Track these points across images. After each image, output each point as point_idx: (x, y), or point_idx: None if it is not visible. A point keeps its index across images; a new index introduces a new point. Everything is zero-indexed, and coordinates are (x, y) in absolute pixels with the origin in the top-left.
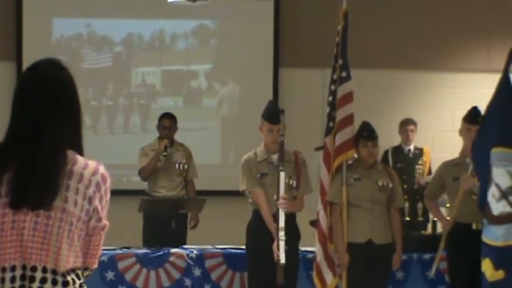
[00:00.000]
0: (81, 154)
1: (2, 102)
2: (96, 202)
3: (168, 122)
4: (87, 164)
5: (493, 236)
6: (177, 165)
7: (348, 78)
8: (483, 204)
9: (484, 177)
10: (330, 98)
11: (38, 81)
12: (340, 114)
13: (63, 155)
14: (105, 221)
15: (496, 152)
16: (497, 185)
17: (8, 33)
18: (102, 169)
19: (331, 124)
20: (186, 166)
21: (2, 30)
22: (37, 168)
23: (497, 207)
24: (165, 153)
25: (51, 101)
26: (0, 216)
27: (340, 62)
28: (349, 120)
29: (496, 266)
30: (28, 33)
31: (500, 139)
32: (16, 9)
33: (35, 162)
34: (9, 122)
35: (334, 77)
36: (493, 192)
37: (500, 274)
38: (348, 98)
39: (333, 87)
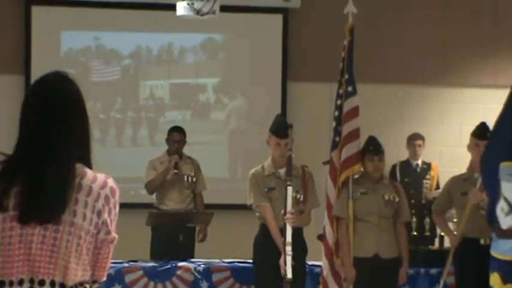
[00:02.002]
0: (90, 167)
1: (10, 115)
2: (105, 215)
3: (177, 136)
4: (96, 177)
5: (501, 250)
6: (185, 178)
7: (354, 93)
8: (492, 218)
9: (493, 192)
10: (336, 113)
11: (46, 94)
12: (346, 129)
13: (72, 168)
14: (114, 234)
15: (505, 167)
16: (506, 199)
17: (16, 46)
18: (111, 182)
19: (337, 138)
20: (194, 179)
21: (10, 43)
22: (45, 182)
23: (506, 221)
24: (176, 171)
25: (59, 114)
26: (8, 229)
27: (346, 76)
28: (355, 134)
29: (505, 280)
30: (36, 46)
31: (509, 154)
32: (25, 22)
33: (44, 176)
34: (18, 135)
35: (340, 91)
36: (502, 206)
37: None
38: (354, 112)
39: (339, 102)
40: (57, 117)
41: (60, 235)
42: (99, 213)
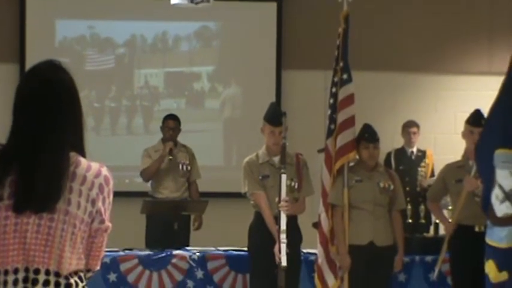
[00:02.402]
0: (84, 156)
1: (5, 104)
2: (99, 204)
3: (172, 123)
4: (90, 166)
5: (496, 237)
6: (180, 166)
7: (349, 80)
8: (487, 205)
9: (488, 179)
10: (331, 100)
11: (39, 83)
12: (341, 117)
13: (66, 157)
14: (108, 223)
15: (499, 154)
16: (500, 187)
17: (11, 35)
18: (105, 171)
19: (332, 126)
20: (189, 167)
21: (5, 32)
22: (40, 171)
23: (501, 208)
24: (170, 157)
25: (52, 103)
26: (2, 218)
27: (341, 64)
28: (350, 122)
29: (500, 268)
30: (31, 35)
31: (503, 141)
32: (19, 11)
33: (38, 165)
34: (12, 124)
35: (335, 79)
36: (496, 194)
37: (503, 275)
38: (349, 100)
39: (334, 90)
40: (51, 106)
41: (55, 224)
42: (93, 202)
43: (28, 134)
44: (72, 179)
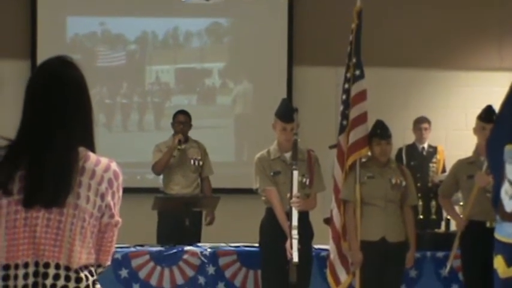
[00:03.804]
0: (93, 151)
1: (17, 100)
2: (109, 198)
3: (182, 117)
4: (99, 161)
5: (505, 233)
6: (192, 162)
7: (362, 76)
8: (497, 201)
9: (498, 175)
10: (344, 96)
11: (49, 79)
12: (353, 113)
13: (75, 152)
14: (117, 218)
15: (509, 149)
16: (510, 182)
17: (22, 31)
18: (114, 166)
19: (344, 122)
20: (201, 162)
21: (16, 29)
22: (49, 165)
23: (510, 204)
24: (179, 147)
25: (62, 99)
26: (12, 213)
27: (354, 60)
28: (362, 118)
29: (509, 263)
30: (42, 32)
31: None
32: (31, 8)
33: (47, 160)
34: (21, 119)
35: (348, 75)
36: (506, 189)
37: None
38: (362, 96)
39: (346, 86)
40: (60, 102)
41: (65, 218)
42: (103, 196)
43: (37, 129)
44: (81, 174)
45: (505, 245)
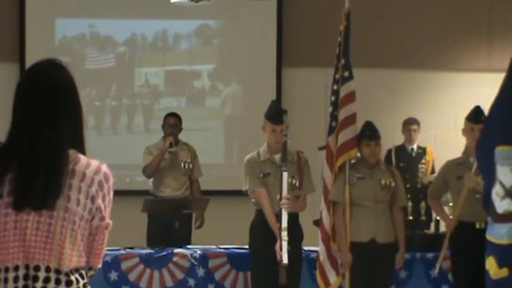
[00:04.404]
0: (84, 153)
1: (6, 103)
2: (99, 201)
3: (172, 120)
4: (90, 163)
5: (497, 234)
6: (182, 164)
7: (350, 77)
8: (488, 202)
9: (489, 176)
10: (333, 98)
11: (38, 81)
12: (342, 114)
13: (65, 154)
14: (108, 220)
15: (500, 151)
16: (501, 183)
17: (11, 34)
18: (104, 168)
19: (333, 124)
20: (191, 165)
21: (5, 31)
22: (39, 168)
23: (502, 205)
24: (170, 150)
25: (51, 101)
26: (2, 216)
27: (343, 61)
28: (351, 119)
29: (500, 264)
30: (31, 34)
31: (504, 138)
32: (19, 10)
33: (37, 163)
34: (11, 122)
35: (337, 76)
36: (497, 191)
37: (504, 272)
38: (350, 97)
39: (335, 87)
40: (50, 104)
41: (55, 221)
42: (93, 199)
43: (27, 131)
44: (72, 176)
45: (496, 246)
